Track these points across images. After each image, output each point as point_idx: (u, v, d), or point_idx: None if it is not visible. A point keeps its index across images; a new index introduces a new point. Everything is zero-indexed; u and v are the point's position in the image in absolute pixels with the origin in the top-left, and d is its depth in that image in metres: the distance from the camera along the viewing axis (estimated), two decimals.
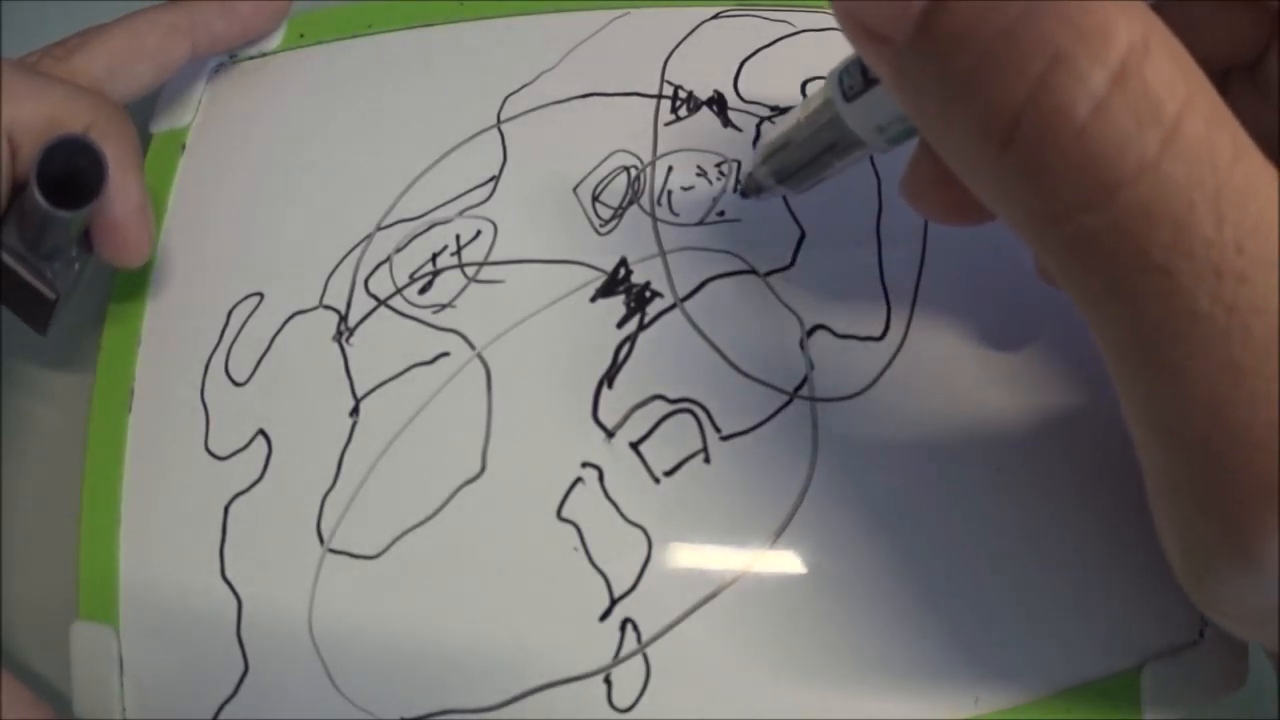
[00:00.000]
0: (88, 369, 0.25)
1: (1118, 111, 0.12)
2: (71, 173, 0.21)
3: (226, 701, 0.22)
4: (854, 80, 0.17)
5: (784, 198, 0.25)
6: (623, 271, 0.24)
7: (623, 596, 0.21)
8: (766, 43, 0.27)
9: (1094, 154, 0.12)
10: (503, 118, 0.26)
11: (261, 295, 0.24)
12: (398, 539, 0.22)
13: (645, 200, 0.25)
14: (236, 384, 0.24)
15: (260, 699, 0.21)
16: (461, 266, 0.24)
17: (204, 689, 0.22)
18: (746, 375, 0.23)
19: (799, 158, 0.20)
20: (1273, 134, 0.17)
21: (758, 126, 0.26)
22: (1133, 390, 0.14)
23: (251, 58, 0.28)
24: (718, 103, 0.26)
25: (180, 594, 0.22)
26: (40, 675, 0.24)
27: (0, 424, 0.26)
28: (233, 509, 0.23)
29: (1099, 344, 0.15)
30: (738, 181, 0.25)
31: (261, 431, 0.23)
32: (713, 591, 0.21)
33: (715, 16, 0.27)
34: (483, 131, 0.26)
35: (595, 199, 0.25)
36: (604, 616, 0.21)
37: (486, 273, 0.24)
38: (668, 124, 0.26)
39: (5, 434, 0.26)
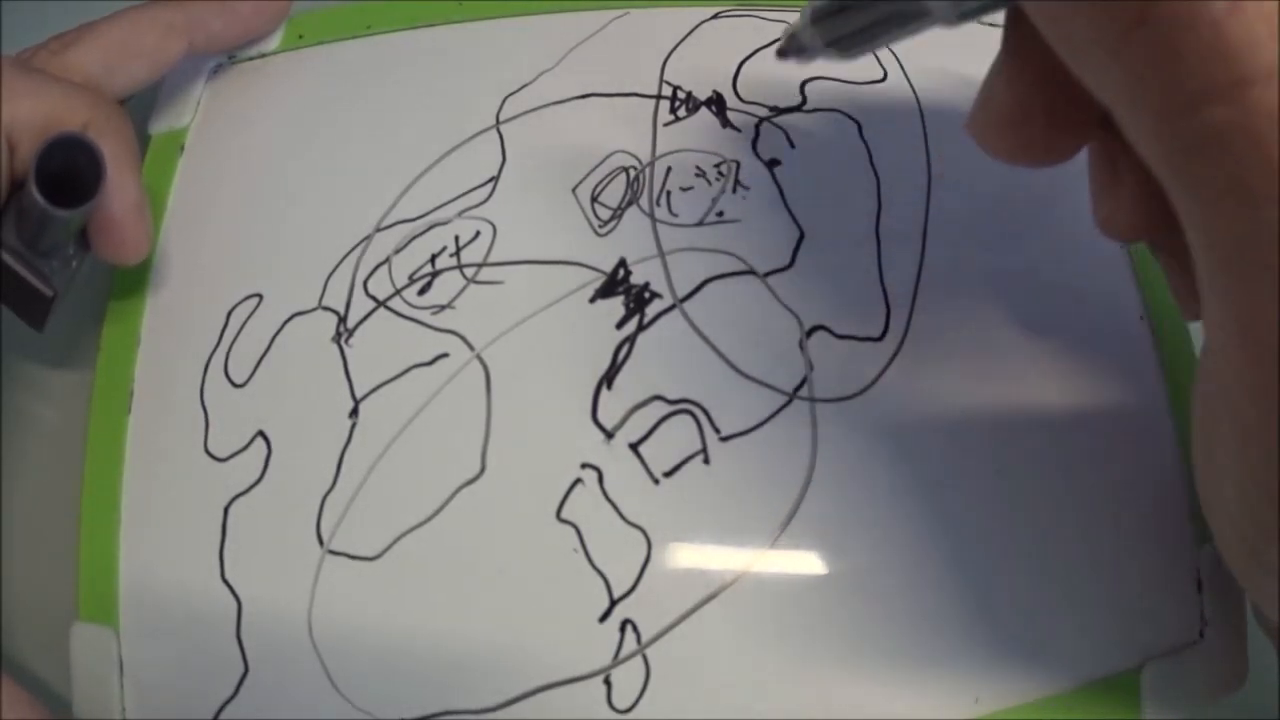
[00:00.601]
0: (88, 367, 0.25)
1: (1251, 13, 0.12)
2: (69, 170, 0.21)
3: (227, 703, 0.22)
4: None
5: (782, 197, 0.25)
6: (622, 272, 0.24)
7: (622, 597, 0.21)
8: (766, 43, 0.27)
9: (1227, 48, 0.12)
10: (502, 118, 0.26)
11: (261, 296, 0.24)
12: (397, 540, 0.22)
13: (644, 201, 0.25)
14: (236, 385, 0.24)
15: (260, 700, 0.21)
16: (460, 268, 0.24)
17: (204, 690, 0.22)
18: (746, 376, 0.23)
19: (855, 22, 0.19)
20: None
21: (756, 127, 0.26)
22: (1227, 302, 0.14)
23: (251, 58, 0.28)
24: (717, 103, 0.26)
25: (180, 595, 0.22)
26: (40, 677, 0.24)
27: (0, 423, 0.26)
28: (232, 510, 0.23)
29: (1197, 252, 0.14)
30: (737, 182, 0.25)
31: (261, 433, 0.23)
32: (712, 592, 0.21)
33: (714, 16, 0.27)
34: (482, 132, 0.26)
35: (594, 199, 0.25)
36: (603, 617, 0.21)
37: (485, 274, 0.24)
38: (667, 124, 0.26)
39: (5, 433, 0.26)
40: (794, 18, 0.27)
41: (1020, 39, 0.17)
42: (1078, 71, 0.14)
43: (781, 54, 0.21)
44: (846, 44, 0.19)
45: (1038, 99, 0.17)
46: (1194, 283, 0.15)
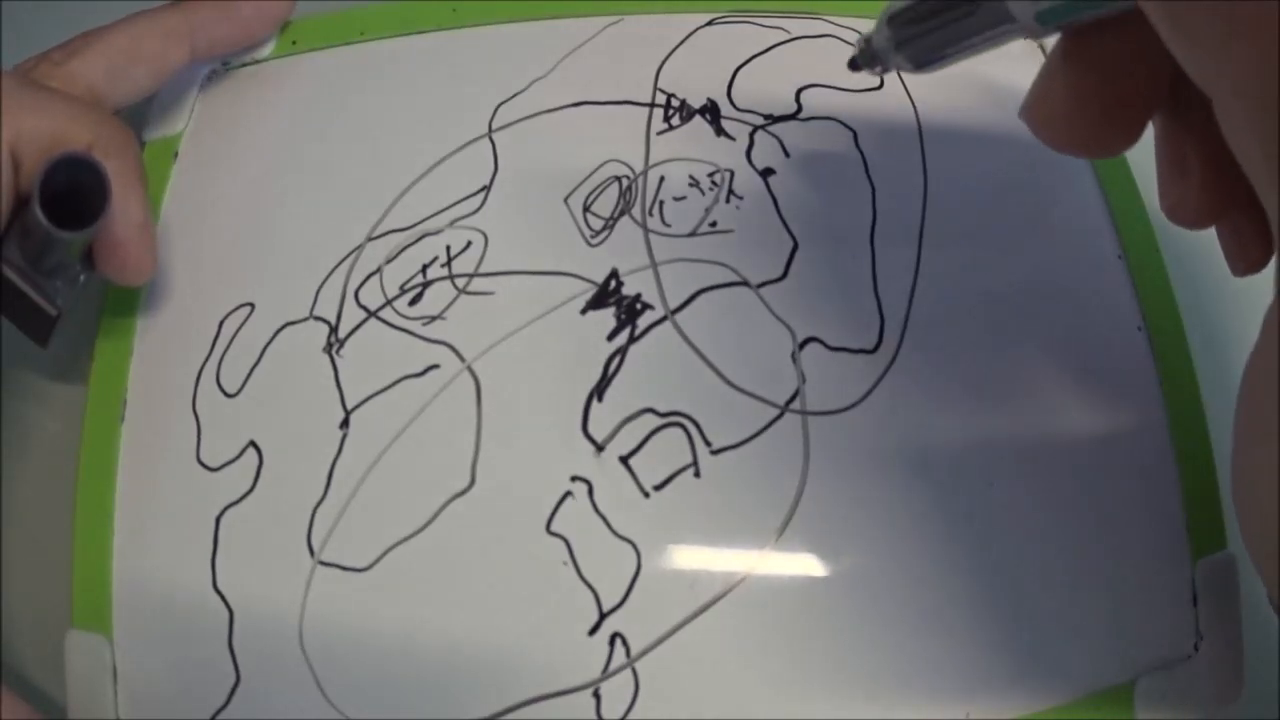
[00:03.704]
0: (85, 378, 0.25)
1: None
2: (74, 189, 0.21)
3: (219, 711, 0.22)
4: None
5: (776, 206, 0.25)
6: (613, 283, 0.24)
7: (611, 611, 0.21)
8: (760, 50, 0.26)
9: None
10: (494, 126, 0.26)
11: (252, 306, 0.24)
12: (388, 551, 0.22)
13: (637, 211, 0.25)
14: (228, 395, 0.24)
15: (252, 709, 0.22)
16: (452, 278, 0.24)
17: (197, 698, 0.22)
18: (737, 388, 0.23)
19: (931, 23, 0.18)
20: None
21: (751, 135, 0.25)
22: None
23: (244, 65, 0.28)
24: (711, 111, 0.26)
25: (173, 604, 0.22)
26: (36, 683, 0.24)
27: (0, 433, 0.26)
28: (224, 520, 0.23)
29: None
30: (730, 191, 0.25)
31: (252, 443, 0.23)
32: (702, 606, 0.21)
33: (709, 23, 0.27)
34: (474, 141, 0.26)
35: (586, 209, 0.25)
36: (593, 630, 0.21)
37: (477, 284, 0.24)
38: (660, 133, 0.26)
39: (5, 442, 0.26)
40: (789, 24, 0.27)
41: (1080, 34, 0.17)
42: (1184, 59, 0.14)
43: (853, 65, 0.21)
44: (919, 48, 0.19)
45: (1094, 94, 0.17)
46: (1246, 245, 0.15)
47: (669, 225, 0.24)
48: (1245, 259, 0.18)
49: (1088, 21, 0.16)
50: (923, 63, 0.19)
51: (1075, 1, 0.15)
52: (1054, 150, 0.18)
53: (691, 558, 0.22)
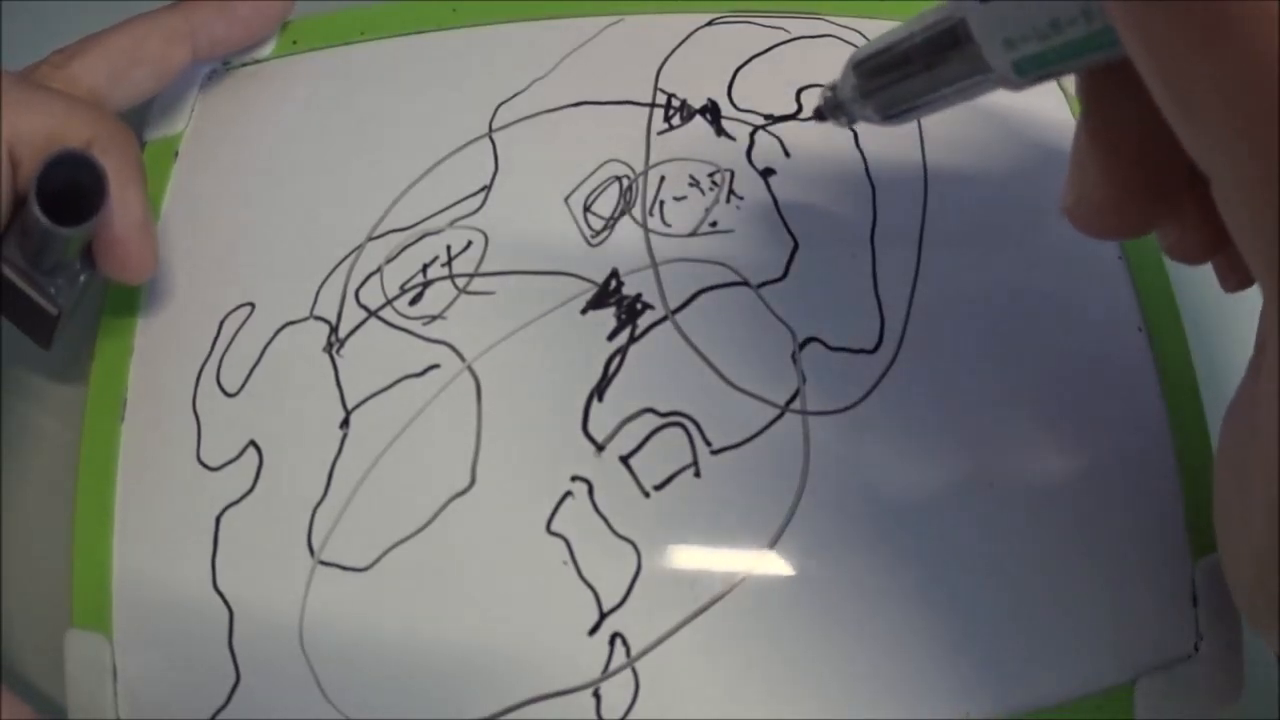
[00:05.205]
0: (85, 378, 0.25)
1: None
2: (73, 188, 0.21)
3: (219, 711, 0.22)
4: None
5: (776, 206, 0.25)
6: (614, 283, 0.24)
7: (612, 610, 0.21)
8: (761, 50, 0.26)
9: None
10: (494, 126, 0.26)
11: (253, 305, 0.24)
12: (388, 551, 0.22)
13: (637, 211, 0.25)
14: (228, 394, 0.24)
15: (252, 708, 0.22)
16: (452, 278, 0.24)
17: (196, 698, 0.22)
18: (738, 388, 0.23)
19: (901, 71, 0.17)
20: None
21: (751, 135, 0.25)
22: None
23: (245, 65, 0.28)
24: (711, 111, 0.26)
25: (172, 603, 0.22)
26: (36, 682, 0.24)
27: (0, 433, 0.26)
28: (224, 520, 0.23)
29: (1270, 304, 0.13)
30: (730, 191, 0.25)
31: (253, 443, 0.23)
32: (702, 606, 0.21)
33: (710, 23, 0.27)
34: (474, 140, 0.26)
35: (587, 209, 0.25)
36: (593, 630, 0.21)
37: (477, 284, 0.24)
38: (660, 133, 0.26)
39: (5, 442, 0.26)
40: (789, 24, 0.27)
41: (1103, 118, 0.16)
42: (1183, 136, 0.13)
43: (818, 116, 0.19)
44: (886, 98, 0.17)
45: (1130, 176, 0.16)
46: (1238, 266, 0.14)
47: (669, 225, 0.24)
48: (1235, 277, 0.18)
49: (1069, 73, 0.15)
50: (890, 115, 0.18)
51: (1057, 49, 0.14)
52: (1099, 239, 0.17)
53: (692, 558, 0.22)
